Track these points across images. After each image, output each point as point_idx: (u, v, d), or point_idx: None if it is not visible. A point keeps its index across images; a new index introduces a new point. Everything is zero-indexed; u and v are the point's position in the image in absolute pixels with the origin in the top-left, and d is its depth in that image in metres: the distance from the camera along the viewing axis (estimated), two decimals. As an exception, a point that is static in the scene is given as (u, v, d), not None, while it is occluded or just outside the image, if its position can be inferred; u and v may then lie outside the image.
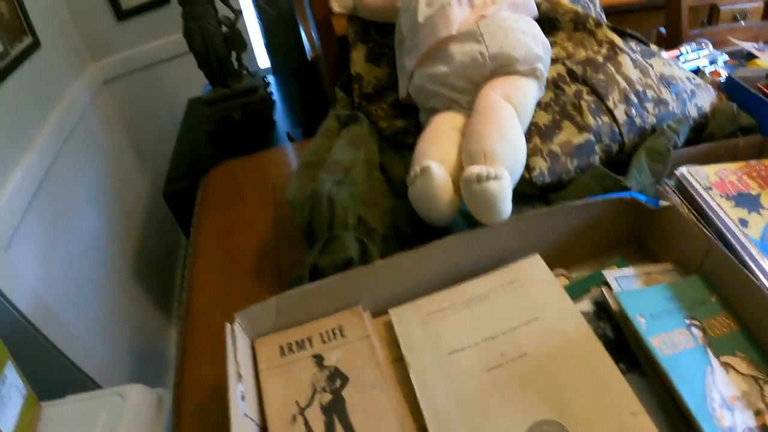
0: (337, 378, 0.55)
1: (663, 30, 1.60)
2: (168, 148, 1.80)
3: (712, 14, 1.93)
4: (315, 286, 0.59)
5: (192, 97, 2.02)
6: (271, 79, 1.99)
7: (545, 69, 0.77)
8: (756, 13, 1.86)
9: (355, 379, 0.54)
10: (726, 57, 1.24)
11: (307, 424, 0.51)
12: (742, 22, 1.90)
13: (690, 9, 1.60)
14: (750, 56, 1.30)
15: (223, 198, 1.00)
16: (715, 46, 1.39)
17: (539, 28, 0.79)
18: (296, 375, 0.55)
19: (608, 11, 1.66)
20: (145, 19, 1.97)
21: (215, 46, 1.56)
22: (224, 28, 1.59)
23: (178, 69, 2.01)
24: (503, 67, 0.73)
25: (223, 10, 1.60)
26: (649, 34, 1.73)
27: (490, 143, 0.63)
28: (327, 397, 0.53)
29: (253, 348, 0.59)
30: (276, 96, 1.86)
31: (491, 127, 0.65)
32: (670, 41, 1.52)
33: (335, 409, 0.52)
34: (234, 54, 1.65)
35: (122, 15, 1.94)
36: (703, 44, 1.29)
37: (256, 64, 2.16)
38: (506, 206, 0.61)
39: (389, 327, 0.60)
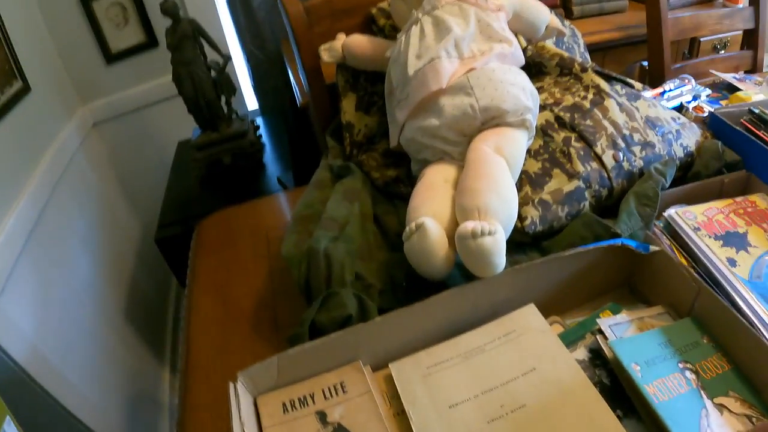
0: (340, 434, 0.55)
1: (646, 63, 1.62)
2: (158, 191, 1.80)
3: (693, 46, 1.97)
4: (315, 343, 0.59)
5: (182, 139, 2.02)
6: (260, 120, 2.01)
7: (534, 119, 0.78)
8: (736, 42, 1.90)
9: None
10: (708, 91, 1.27)
11: (312, 484, 0.51)
12: (723, 52, 1.95)
13: (671, 43, 1.64)
14: (732, 87, 1.33)
15: (217, 249, 1.00)
16: (697, 78, 1.42)
17: (527, 78, 0.81)
18: None
19: (593, 48, 1.71)
20: (134, 62, 1.98)
21: (204, 90, 1.57)
22: (213, 73, 1.60)
23: (168, 112, 2.01)
24: (494, 119, 0.75)
25: (212, 55, 1.62)
26: (632, 67, 1.76)
27: (483, 199, 0.64)
28: (331, 455, 0.53)
29: (255, 405, 0.59)
30: (265, 138, 1.87)
31: (484, 182, 0.66)
32: (653, 76, 1.55)
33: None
34: (223, 98, 1.66)
35: (111, 58, 1.94)
36: (686, 80, 1.32)
37: (245, 106, 2.17)
38: (501, 260, 0.62)
39: (390, 381, 0.60)
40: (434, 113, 0.77)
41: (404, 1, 0.94)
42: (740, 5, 1.80)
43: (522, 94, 0.76)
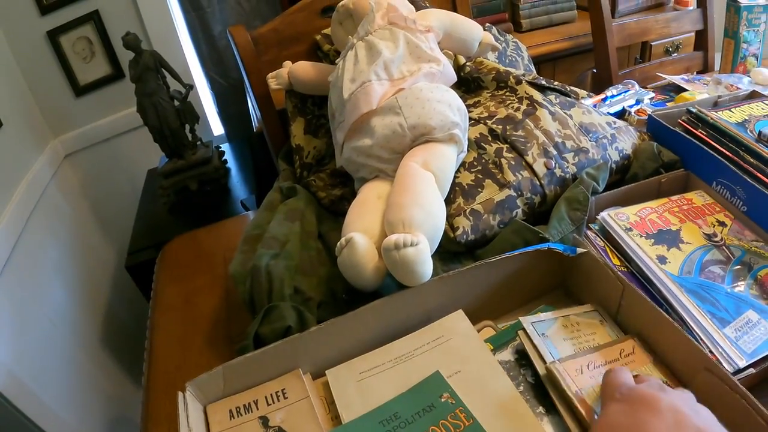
0: (280, 436, 0.58)
1: (596, 71, 1.67)
2: (130, 219, 1.82)
3: (645, 50, 2.02)
4: (257, 353, 0.63)
5: (151, 168, 2.05)
6: (226, 146, 2.04)
7: (463, 133, 0.82)
8: (689, 44, 1.94)
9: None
10: (651, 95, 1.31)
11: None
12: (675, 55, 2.00)
13: (620, 49, 1.68)
14: (680, 88, 1.37)
15: (179, 271, 1.04)
16: (648, 81, 1.47)
17: (455, 95, 0.84)
18: None
19: (543, 59, 1.76)
20: (102, 94, 2.01)
21: (168, 120, 1.60)
22: (176, 102, 1.64)
23: (137, 141, 2.04)
24: (422, 135, 0.79)
25: (175, 85, 1.65)
26: (585, 75, 1.81)
27: (407, 213, 0.68)
28: (271, 456, 0.57)
29: (206, 413, 0.62)
30: (231, 163, 1.91)
31: (409, 197, 0.70)
32: (602, 82, 1.59)
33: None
34: (187, 126, 1.69)
35: (80, 91, 1.98)
36: (629, 85, 1.36)
37: (211, 132, 2.20)
38: (426, 269, 0.66)
39: (328, 387, 0.64)
40: (367, 134, 0.80)
41: (342, 27, 0.98)
42: (690, 8, 1.85)
43: (449, 110, 0.80)
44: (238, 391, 0.64)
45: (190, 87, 1.66)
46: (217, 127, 2.24)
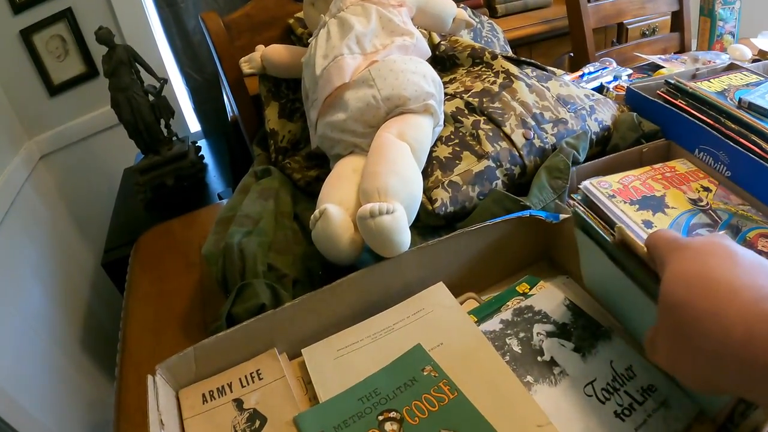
0: (256, 419, 0.56)
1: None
2: (107, 219, 1.80)
3: (621, 33, 2.02)
4: (229, 332, 0.60)
5: (127, 166, 2.03)
6: (203, 142, 2.01)
7: (438, 104, 0.81)
8: (665, 26, 1.95)
9: (273, 418, 0.56)
10: (629, 71, 1.30)
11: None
12: (652, 37, 2.00)
13: (597, 31, 1.68)
14: (657, 68, 1.37)
15: (153, 261, 1.02)
16: (625, 63, 1.46)
17: (429, 66, 0.83)
18: (218, 420, 0.57)
19: (519, 42, 1.75)
20: (77, 93, 1.99)
21: (143, 115, 1.57)
22: (151, 97, 1.61)
23: (113, 140, 2.01)
24: (397, 107, 0.77)
25: (149, 80, 1.63)
26: (562, 59, 1.80)
27: (383, 180, 0.66)
28: (247, 439, 0.55)
29: (178, 399, 0.60)
30: (208, 158, 1.88)
31: (384, 165, 0.68)
32: (579, 65, 1.58)
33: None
34: (162, 121, 1.66)
35: (54, 90, 1.95)
36: (606, 63, 1.36)
37: (188, 128, 2.18)
38: (403, 238, 0.64)
39: (305, 366, 0.61)
40: (340, 108, 0.79)
41: (314, 7, 0.96)
42: (665, -11, 1.86)
43: (423, 81, 0.78)
44: (211, 374, 0.61)
45: (165, 81, 1.63)
46: (193, 124, 2.21)
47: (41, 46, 1.88)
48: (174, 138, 1.71)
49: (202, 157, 1.82)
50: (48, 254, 1.82)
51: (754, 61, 1.32)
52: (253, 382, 0.60)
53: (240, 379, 0.61)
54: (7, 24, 1.82)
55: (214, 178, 1.79)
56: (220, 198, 1.61)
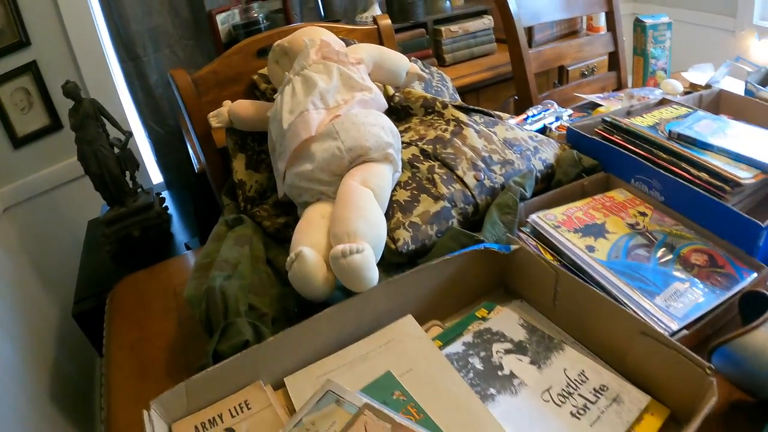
0: (248, 445, 0.61)
1: (518, 98, 1.78)
2: (73, 271, 1.81)
3: (562, 74, 2.16)
4: (217, 367, 0.66)
5: (91, 218, 2.05)
6: (165, 194, 2.06)
7: (396, 153, 0.89)
8: (603, 65, 2.11)
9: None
10: (570, 112, 1.41)
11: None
12: (591, 77, 2.14)
13: (539, 74, 1.80)
14: (596, 106, 1.48)
15: (130, 310, 1.05)
16: (566, 102, 1.58)
17: (387, 119, 0.91)
18: None
19: (467, 89, 1.87)
20: (41, 145, 2.03)
21: (109, 167, 1.62)
22: (116, 150, 1.66)
23: (76, 192, 2.05)
24: (359, 157, 0.85)
25: (113, 132, 1.68)
26: (507, 102, 1.92)
27: (351, 224, 0.73)
28: (240, 465, 0.60)
29: None
30: (172, 209, 1.93)
31: (351, 210, 0.76)
32: (523, 107, 1.69)
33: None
34: (128, 174, 1.71)
35: (18, 143, 1.99)
36: (548, 105, 1.47)
37: (150, 180, 2.22)
38: (372, 274, 0.71)
39: (288, 396, 0.67)
40: (307, 159, 0.86)
41: (278, 65, 1.04)
42: (601, 33, 2.00)
43: (382, 132, 0.87)
44: (202, 407, 0.67)
45: (130, 134, 1.69)
46: (155, 176, 2.26)
47: (6, 99, 1.93)
48: (139, 190, 1.76)
49: (167, 208, 1.86)
50: (14, 308, 1.82)
51: (687, 93, 1.44)
52: (242, 411, 0.65)
53: (230, 410, 0.66)
54: (-29, 76, 1.84)
55: (179, 229, 1.83)
56: (188, 248, 1.65)
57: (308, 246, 0.75)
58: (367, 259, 0.70)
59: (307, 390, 0.66)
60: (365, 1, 2.17)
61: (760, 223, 0.77)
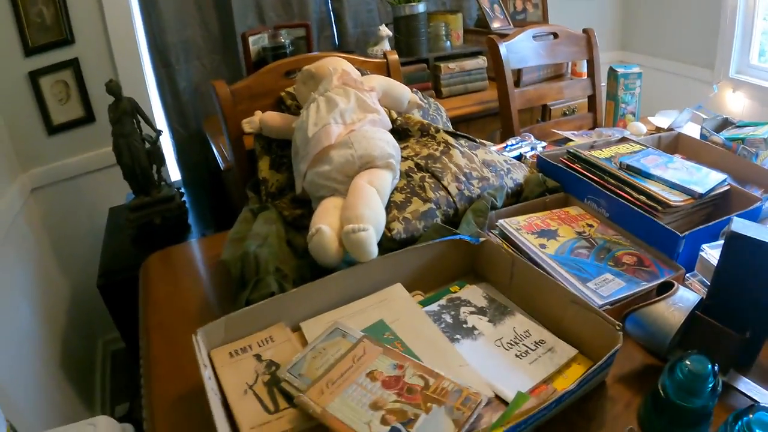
0: (272, 365, 0.82)
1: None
2: (87, 253, 1.98)
3: (545, 112, 2.40)
4: (252, 307, 0.87)
5: (113, 206, 2.22)
6: (183, 190, 2.23)
7: (397, 163, 1.12)
8: (583, 107, 2.33)
9: (284, 365, 0.82)
10: (544, 144, 1.64)
11: (255, 394, 0.78)
12: (571, 116, 2.37)
13: (524, 111, 2.03)
14: (568, 140, 1.70)
15: (163, 272, 1.24)
16: (545, 137, 1.80)
17: (391, 136, 1.15)
18: (243, 367, 0.82)
19: (459, 120, 2.11)
20: (73, 134, 2.18)
21: (140, 159, 1.82)
22: (147, 145, 1.87)
23: (101, 181, 2.22)
24: (367, 163, 1.08)
25: (146, 130, 1.88)
26: (494, 134, 2.15)
27: (359, 210, 0.96)
28: (267, 377, 0.81)
29: (210, 357, 0.84)
30: (188, 204, 2.11)
31: (359, 201, 0.99)
32: (505, 137, 1.91)
33: (274, 383, 0.80)
34: (155, 167, 1.92)
35: (52, 130, 2.14)
36: (525, 137, 1.70)
37: (170, 178, 2.36)
38: (373, 249, 0.94)
39: (303, 338, 0.89)
40: (327, 162, 1.09)
41: (305, 86, 1.28)
42: (582, 78, 2.23)
43: (387, 145, 1.10)
44: (234, 340, 0.87)
45: (160, 132, 1.90)
46: (174, 173, 2.44)
47: (46, 89, 2.09)
48: (163, 183, 1.96)
49: (185, 201, 2.06)
50: (33, 274, 1.98)
51: (651, 134, 1.66)
52: (267, 344, 0.86)
53: (257, 342, 0.87)
54: (18, 65, 2.02)
55: (193, 222, 2.03)
56: (205, 236, 1.85)
57: (325, 224, 0.97)
58: (370, 237, 0.93)
59: (318, 332, 0.87)
60: (376, 36, 2.39)
61: (678, 233, 0.97)
